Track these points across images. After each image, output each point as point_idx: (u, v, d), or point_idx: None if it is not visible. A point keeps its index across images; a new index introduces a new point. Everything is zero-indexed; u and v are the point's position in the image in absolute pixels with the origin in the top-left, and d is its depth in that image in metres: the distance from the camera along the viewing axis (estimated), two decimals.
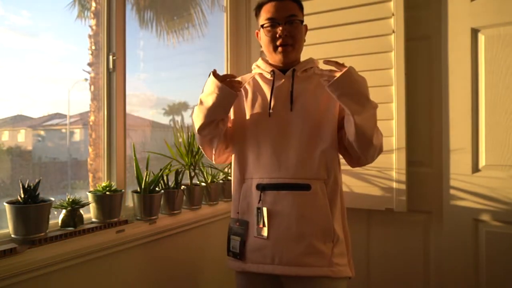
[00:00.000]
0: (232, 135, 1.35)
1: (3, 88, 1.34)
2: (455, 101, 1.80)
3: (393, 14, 1.86)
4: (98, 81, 1.61)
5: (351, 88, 1.10)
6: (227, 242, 1.31)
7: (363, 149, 1.20)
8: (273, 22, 1.27)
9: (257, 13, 1.33)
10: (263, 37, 1.31)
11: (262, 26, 1.30)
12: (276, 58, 1.31)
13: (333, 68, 1.12)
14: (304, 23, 1.32)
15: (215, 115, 1.22)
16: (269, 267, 1.22)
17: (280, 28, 1.25)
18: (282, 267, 1.20)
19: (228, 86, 1.17)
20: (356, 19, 1.95)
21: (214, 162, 1.40)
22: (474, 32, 1.76)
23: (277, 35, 1.26)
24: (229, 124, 1.37)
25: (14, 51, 1.37)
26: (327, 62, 1.12)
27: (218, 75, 1.21)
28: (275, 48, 1.29)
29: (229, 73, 2.34)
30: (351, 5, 1.96)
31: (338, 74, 1.09)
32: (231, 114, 1.36)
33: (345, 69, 1.09)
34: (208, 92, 1.20)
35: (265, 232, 1.22)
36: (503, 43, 1.70)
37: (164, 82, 2.06)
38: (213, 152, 1.34)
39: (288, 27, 1.26)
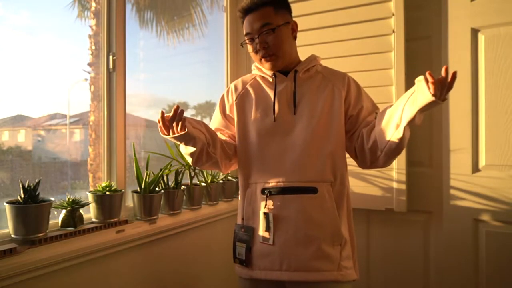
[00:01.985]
0: (236, 141, 1.32)
1: (3, 88, 1.34)
2: (455, 101, 1.80)
3: (393, 14, 1.86)
4: (98, 81, 1.61)
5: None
6: (233, 249, 1.29)
7: (392, 158, 1.15)
8: (250, 37, 1.26)
9: (242, 25, 1.32)
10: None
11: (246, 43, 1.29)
12: (266, 67, 1.30)
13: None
14: (290, 22, 1.26)
15: (191, 150, 1.18)
16: (276, 273, 1.19)
17: (256, 41, 1.24)
18: (290, 273, 1.18)
19: (175, 128, 1.11)
20: (356, 19, 1.95)
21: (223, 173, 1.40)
22: (474, 32, 1.76)
23: (256, 50, 1.25)
24: (233, 131, 1.35)
25: (14, 51, 1.37)
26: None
27: (164, 129, 1.13)
28: (260, 60, 1.28)
29: (230, 79, 2.34)
30: (351, 5, 1.96)
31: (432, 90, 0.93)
32: (235, 119, 1.32)
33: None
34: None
35: (271, 238, 1.20)
36: (503, 43, 1.70)
37: (164, 82, 2.06)
38: (221, 169, 1.32)
39: (263, 38, 1.23)
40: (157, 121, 1.13)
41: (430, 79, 0.92)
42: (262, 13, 1.23)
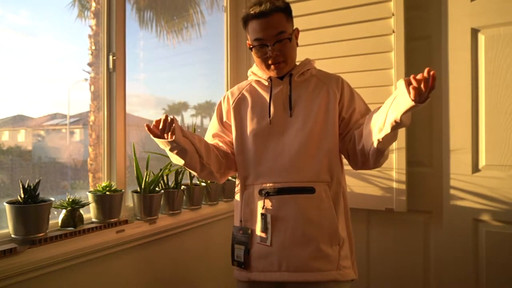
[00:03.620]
0: (234, 144, 1.33)
1: (3, 88, 1.34)
2: (455, 101, 1.80)
3: (393, 14, 1.86)
4: (98, 81, 1.61)
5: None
6: (231, 251, 1.29)
7: (379, 160, 1.16)
8: (261, 42, 1.22)
9: (244, 27, 1.29)
10: (254, 55, 1.28)
11: (250, 47, 1.26)
12: (270, 74, 1.29)
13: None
14: (295, 29, 1.27)
15: (180, 161, 1.18)
16: (276, 274, 1.19)
17: (269, 48, 1.21)
18: (289, 274, 1.18)
19: (164, 135, 1.11)
20: (356, 19, 1.95)
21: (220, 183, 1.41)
22: (474, 32, 1.76)
23: (267, 55, 1.22)
24: (231, 137, 1.35)
25: (14, 51, 1.37)
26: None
27: (153, 133, 1.12)
28: (267, 67, 1.26)
29: (229, 81, 2.34)
30: (352, 5, 1.96)
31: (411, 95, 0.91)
32: (233, 123, 1.32)
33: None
34: (165, 150, 1.18)
35: (268, 239, 1.20)
36: (503, 43, 1.70)
37: (164, 82, 2.06)
38: (217, 179, 1.33)
39: (278, 45, 1.21)
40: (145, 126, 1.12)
41: (413, 83, 0.89)
42: (275, 19, 1.20)
